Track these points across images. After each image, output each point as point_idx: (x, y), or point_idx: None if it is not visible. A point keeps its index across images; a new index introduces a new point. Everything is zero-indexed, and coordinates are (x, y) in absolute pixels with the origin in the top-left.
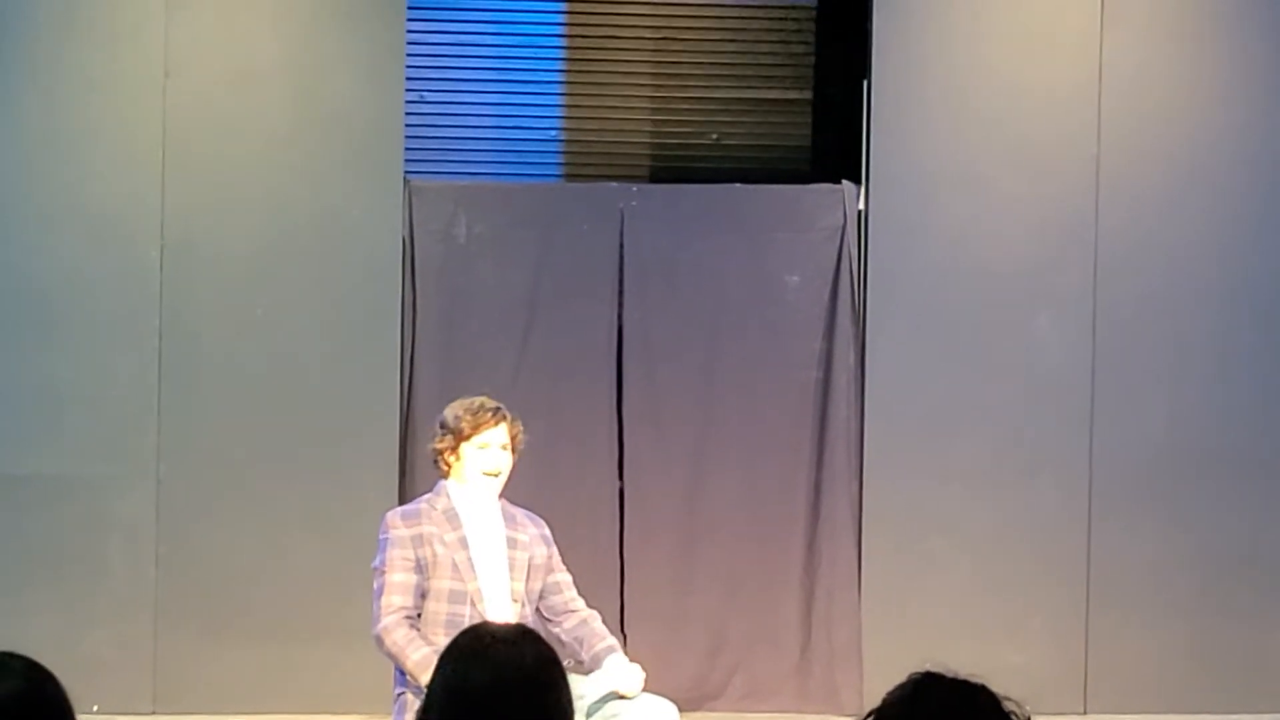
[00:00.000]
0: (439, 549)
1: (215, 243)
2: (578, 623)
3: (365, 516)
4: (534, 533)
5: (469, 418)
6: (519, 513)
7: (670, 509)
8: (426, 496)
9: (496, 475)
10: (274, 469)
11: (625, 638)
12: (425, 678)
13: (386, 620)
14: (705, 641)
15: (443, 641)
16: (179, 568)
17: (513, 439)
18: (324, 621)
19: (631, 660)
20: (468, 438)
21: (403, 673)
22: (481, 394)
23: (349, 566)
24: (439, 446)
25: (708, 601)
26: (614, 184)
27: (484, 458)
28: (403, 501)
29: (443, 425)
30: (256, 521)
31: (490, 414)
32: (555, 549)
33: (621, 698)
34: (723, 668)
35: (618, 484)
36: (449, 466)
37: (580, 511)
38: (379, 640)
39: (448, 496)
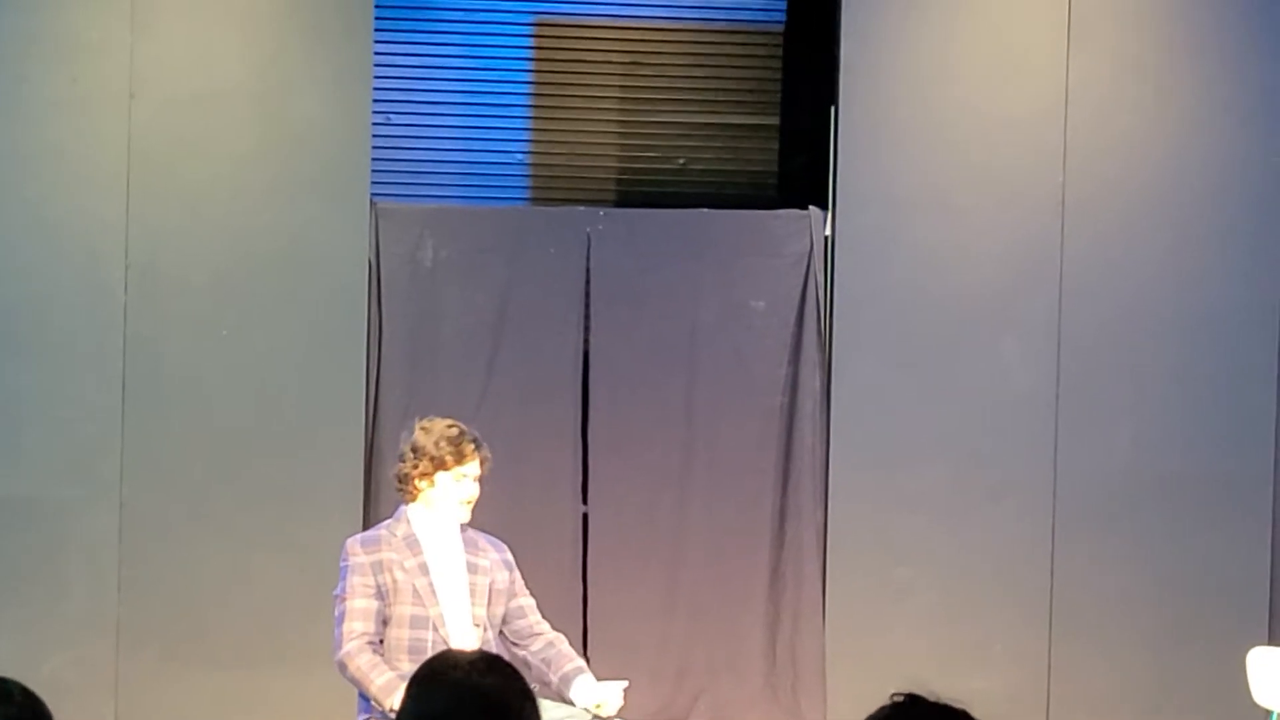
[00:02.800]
0: (399, 575)
1: (180, 263)
2: (544, 645)
3: (329, 539)
4: (495, 557)
5: (452, 449)
6: (480, 537)
7: (634, 534)
8: (386, 523)
9: (470, 504)
10: (238, 491)
11: (589, 663)
12: (389, 702)
13: (349, 646)
14: (669, 667)
15: (406, 667)
16: (141, 590)
17: (483, 468)
18: (288, 645)
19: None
20: (450, 467)
21: (366, 699)
22: (448, 416)
23: (313, 589)
24: (410, 471)
25: (672, 627)
26: (581, 208)
27: (462, 488)
28: (367, 525)
29: (416, 450)
30: (220, 544)
31: (473, 446)
32: (518, 573)
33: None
34: (687, 693)
35: (582, 508)
36: (417, 491)
37: (544, 536)
38: (342, 666)
39: (408, 522)
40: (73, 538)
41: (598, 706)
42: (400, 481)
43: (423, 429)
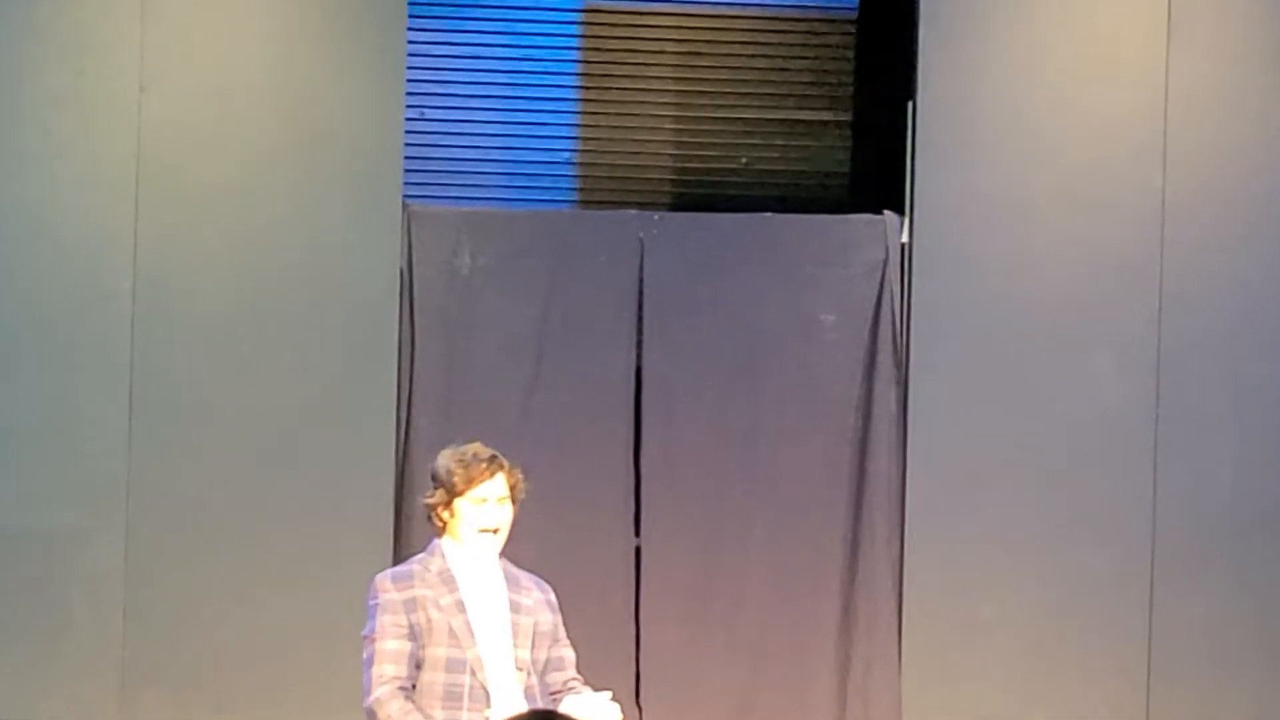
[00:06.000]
0: (434, 614)
1: (193, 274)
2: (572, 696)
3: (355, 575)
4: (539, 597)
5: (460, 470)
6: (522, 575)
7: (691, 570)
8: (420, 557)
9: (495, 532)
10: (255, 521)
11: (641, 711)
12: None
13: (379, 691)
14: (729, 717)
15: (441, 715)
16: (148, 628)
17: (512, 490)
18: (309, 690)
19: None
20: (461, 493)
21: None
22: (480, 441)
23: (337, 629)
24: (432, 502)
25: (732, 672)
26: (633, 211)
27: (480, 513)
28: (397, 558)
29: (434, 478)
30: (235, 578)
31: (484, 465)
32: (561, 619)
33: None
34: None
35: (634, 542)
36: (443, 523)
37: (592, 573)
38: (371, 714)
39: (443, 556)
40: (74, 570)
41: None
42: (428, 514)
43: (441, 456)
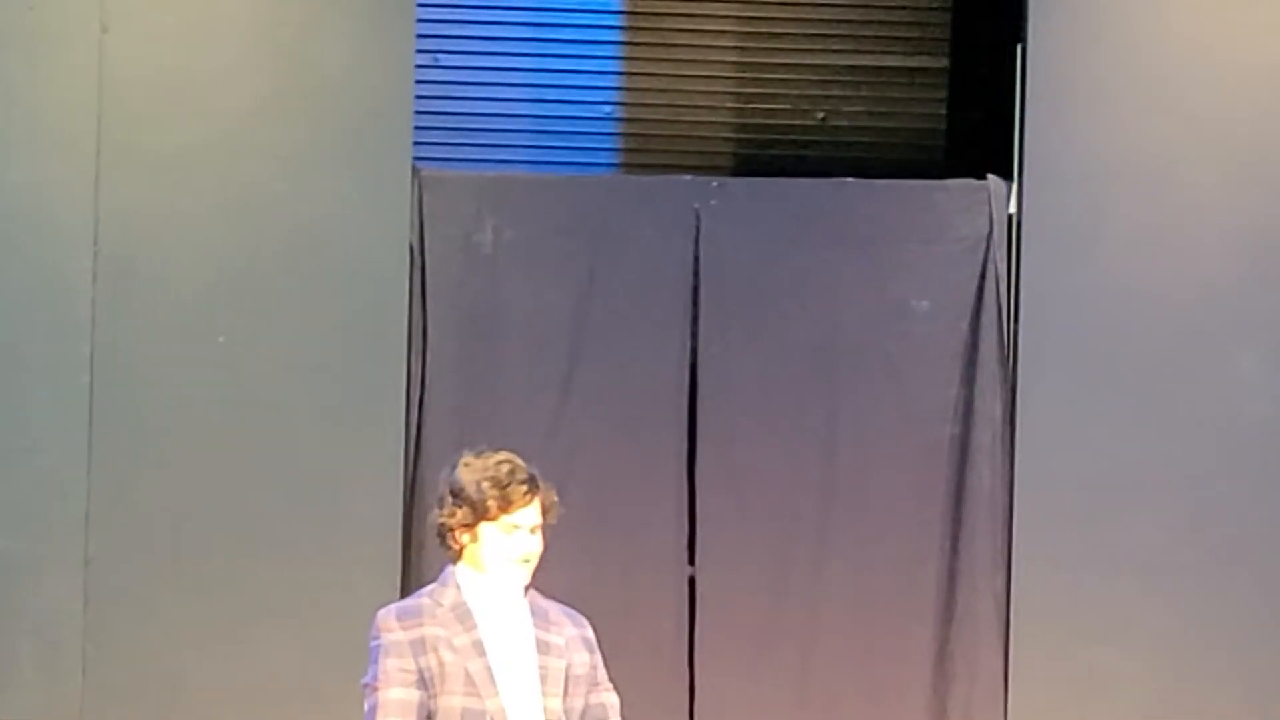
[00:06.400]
0: (447, 656)
1: (164, 250)
2: None
3: (356, 610)
4: (572, 633)
5: (496, 492)
6: (552, 607)
7: (755, 605)
8: (430, 588)
9: (526, 563)
10: (237, 548)
11: None
12: None
13: None
14: None
15: None
16: (111, 674)
17: (545, 514)
18: None
19: None
20: (493, 518)
21: None
22: (508, 450)
23: (334, 675)
24: (449, 522)
25: None
26: (687, 177)
27: (512, 543)
28: (406, 589)
29: (455, 493)
30: (213, 615)
31: (524, 489)
32: (600, 658)
33: None
34: None
35: (687, 572)
36: (461, 547)
37: (638, 609)
38: None
39: (458, 587)
40: (24, 606)
41: None
42: (440, 535)
43: (465, 465)
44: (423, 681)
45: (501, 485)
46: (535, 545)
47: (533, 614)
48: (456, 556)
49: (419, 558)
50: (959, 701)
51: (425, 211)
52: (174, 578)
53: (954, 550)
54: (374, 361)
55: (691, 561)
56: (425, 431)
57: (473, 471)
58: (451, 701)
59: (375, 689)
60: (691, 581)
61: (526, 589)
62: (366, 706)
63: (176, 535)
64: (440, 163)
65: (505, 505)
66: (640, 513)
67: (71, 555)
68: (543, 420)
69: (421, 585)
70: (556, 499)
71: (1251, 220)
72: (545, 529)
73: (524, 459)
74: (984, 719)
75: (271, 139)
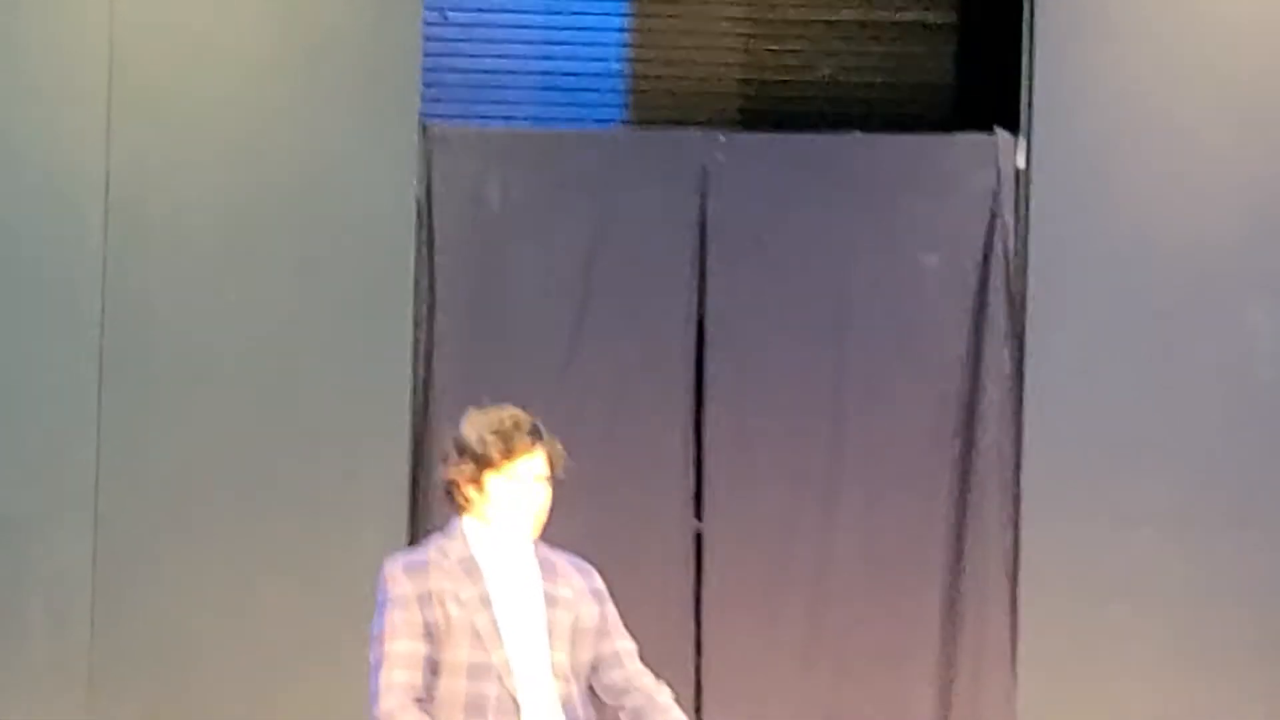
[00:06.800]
0: (454, 610)
1: (175, 202)
2: (644, 700)
3: (363, 563)
4: (580, 586)
5: (498, 442)
6: (560, 559)
7: (763, 559)
8: (436, 540)
9: (533, 514)
10: (245, 502)
11: None
12: None
13: (388, 703)
14: None
15: None
16: (120, 631)
17: (552, 466)
18: (306, 700)
19: None
20: (496, 467)
21: None
22: (513, 405)
23: (341, 627)
24: (454, 476)
25: (812, 681)
26: (695, 132)
27: (518, 493)
28: (413, 542)
29: (460, 448)
30: (221, 571)
31: (527, 436)
32: (611, 607)
33: None
34: None
35: (694, 525)
36: (467, 501)
37: (645, 563)
38: None
39: (464, 540)
40: (33, 564)
41: None
42: (448, 490)
43: (469, 420)
44: (429, 634)
45: (504, 434)
46: (541, 495)
47: (540, 567)
48: (463, 511)
49: (426, 511)
50: (967, 657)
51: (433, 167)
52: (183, 534)
53: (962, 505)
54: (381, 316)
55: (698, 516)
56: (433, 386)
57: (475, 425)
58: (458, 655)
59: (381, 641)
60: (698, 536)
61: (534, 541)
62: (372, 658)
63: (185, 492)
64: (448, 118)
65: (508, 454)
66: (647, 468)
67: (81, 511)
68: (550, 375)
69: (428, 537)
70: (563, 452)
71: (1261, 173)
72: (553, 482)
73: (531, 413)
74: (993, 675)
75: (280, 95)
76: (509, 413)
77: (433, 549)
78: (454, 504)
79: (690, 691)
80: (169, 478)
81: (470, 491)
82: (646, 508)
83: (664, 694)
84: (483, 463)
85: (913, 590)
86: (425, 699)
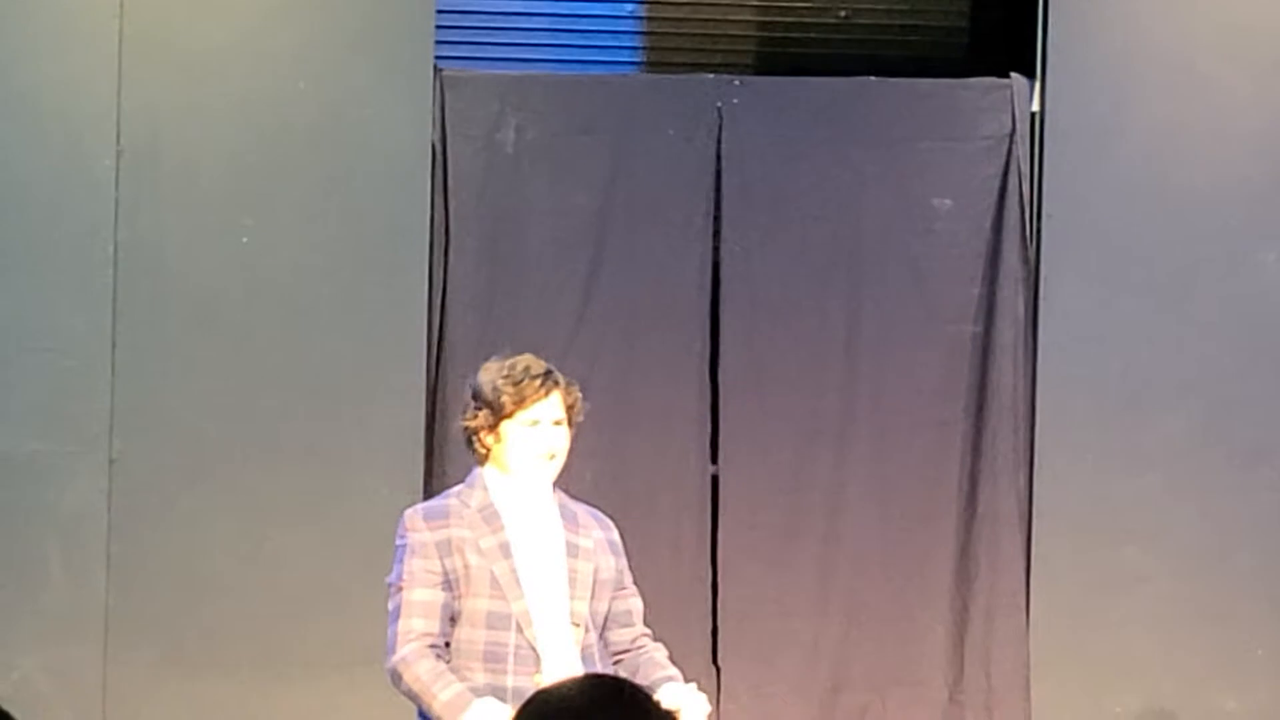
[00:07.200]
0: (473, 559)
1: (187, 148)
2: (644, 659)
3: (378, 512)
4: (599, 537)
5: (510, 388)
6: (580, 509)
7: (779, 503)
8: (457, 489)
9: (551, 459)
10: (260, 448)
11: (719, 672)
12: None
13: (405, 650)
14: (822, 678)
15: (480, 679)
16: (135, 575)
17: (569, 411)
18: (321, 648)
19: (724, 700)
20: (509, 414)
21: (426, 716)
22: (529, 351)
23: (356, 576)
24: (472, 425)
25: (826, 626)
26: (709, 76)
27: (533, 438)
28: (429, 490)
29: (476, 396)
30: (237, 516)
31: (538, 382)
32: (625, 561)
33: None
34: (846, 712)
35: (710, 470)
36: (487, 450)
37: (660, 509)
38: (395, 675)
39: (485, 489)
40: (48, 506)
41: (676, 711)
42: (467, 439)
43: (484, 369)
44: (448, 583)
45: (514, 381)
46: (558, 440)
47: (562, 516)
48: (483, 460)
49: (442, 457)
50: (980, 600)
51: (447, 111)
52: (198, 477)
53: (976, 449)
54: (396, 262)
55: (714, 461)
56: (447, 331)
57: (489, 373)
58: (477, 604)
59: (400, 588)
60: (714, 481)
61: (554, 489)
62: (391, 606)
63: (200, 434)
64: (462, 62)
65: (520, 401)
66: (662, 412)
67: (96, 454)
68: (565, 320)
69: (446, 485)
70: (581, 397)
71: (1277, 117)
72: (571, 429)
73: (546, 359)
74: (1005, 618)
75: (294, 38)
76: (522, 360)
77: (453, 498)
78: (473, 454)
79: (707, 637)
80: (183, 421)
81: (488, 440)
82: (662, 451)
83: (660, 651)
84: (497, 410)
85: (926, 532)
86: (442, 647)
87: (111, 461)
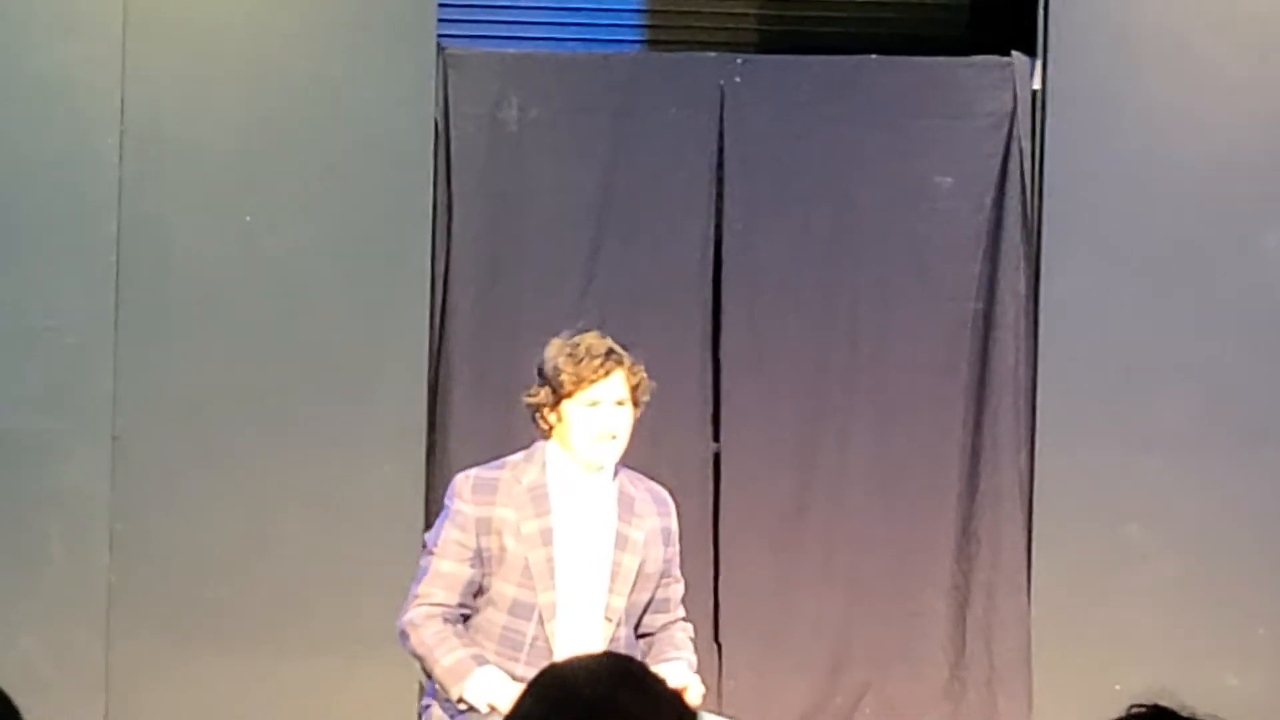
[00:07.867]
0: (510, 543)
1: (190, 127)
2: (660, 638)
3: (381, 490)
4: (653, 526)
5: (570, 368)
6: (640, 495)
7: (780, 482)
8: (516, 459)
9: (612, 439)
10: (263, 427)
11: (720, 649)
12: (456, 690)
13: (415, 613)
14: (825, 656)
15: (492, 655)
16: (138, 553)
17: (633, 391)
18: (324, 627)
19: (725, 678)
20: (570, 394)
21: (434, 682)
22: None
23: (358, 555)
24: (534, 401)
25: (828, 603)
26: (712, 54)
27: (593, 419)
28: (430, 468)
29: (540, 374)
30: (239, 495)
31: (599, 362)
32: (676, 547)
33: None
34: (847, 690)
35: (712, 447)
36: (550, 427)
37: (663, 483)
38: (403, 635)
39: (542, 466)
40: (50, 484)
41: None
42: (531, 416)
43: (550, 346)
44: (478, 559)
45: (575, 360)
46: (618, 421)
47: (619, 503)
48: (546, 436)
49: (444, 438)
50: (981, 579)
51: (450, 89)
52: (200, 455)
53: (977, 427)
54: (399, 240)
55: (716, 439)
56: (450, 308)
57: (553, 350)
58: (505, 589)
59: (432, 553)
60: (716, 459)
61: (617, 471)
62: (421, 563)
63: (202, 413)
64: (465, 40)
65: (578, 381)
66: (664, 390)
67: (98, 433)
68: (567, 298)
69: (449, 464)
70: (646, 377)
71: (1278, 95)
72: (637, 408)
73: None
74: (1006, 597)
75: (296, 16)
76: (586, 338)
77: (507, 469)
78: (538, 429)
79: (709, 614)
80: (186, 399)
81: (550, 417)
82: (664, 428)
83: (683, 633)
84: (557, 389)
85: (927, 510)
86: (455, 620)
87: (114, 440)
